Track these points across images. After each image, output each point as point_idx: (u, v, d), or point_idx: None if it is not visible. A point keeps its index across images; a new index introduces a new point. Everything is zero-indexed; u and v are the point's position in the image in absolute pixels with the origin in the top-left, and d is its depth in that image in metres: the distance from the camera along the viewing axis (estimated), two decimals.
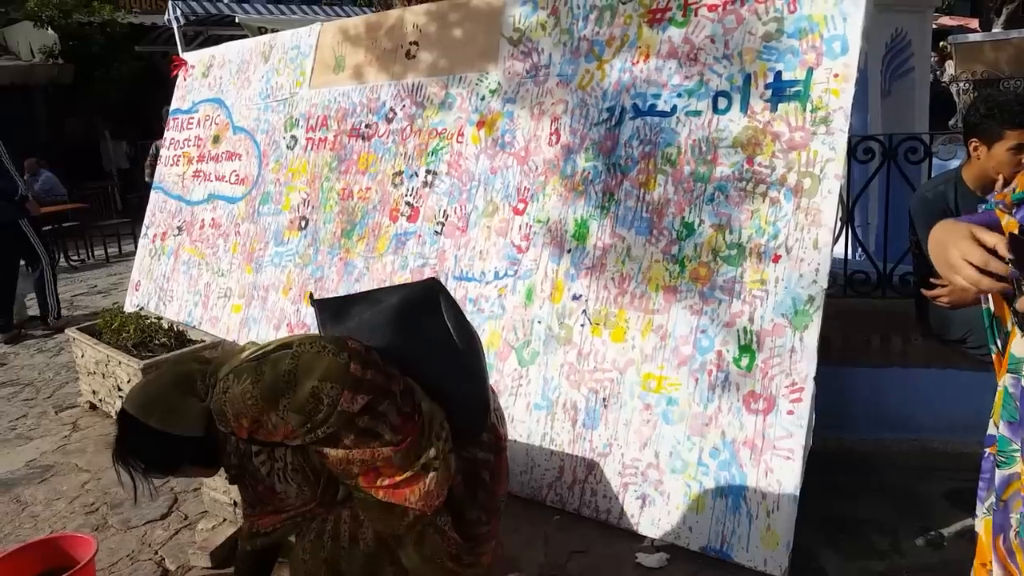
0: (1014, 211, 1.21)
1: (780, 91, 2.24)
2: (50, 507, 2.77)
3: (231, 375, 1.30)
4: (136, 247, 5.10)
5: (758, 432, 2.12)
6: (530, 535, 2.31)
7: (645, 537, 2.26)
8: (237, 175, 4.17)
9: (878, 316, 2.78)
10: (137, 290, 4.69)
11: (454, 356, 1.42)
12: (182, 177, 4.62)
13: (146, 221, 4.83)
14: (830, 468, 2.41)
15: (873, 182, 2.86)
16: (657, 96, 2.50)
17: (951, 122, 6.29)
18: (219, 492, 2.37)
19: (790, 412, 2.08)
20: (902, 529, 2.25)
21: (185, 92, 4.78)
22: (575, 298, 2.55)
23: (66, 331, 3.84)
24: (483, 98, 3.01)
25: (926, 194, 2.37)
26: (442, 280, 2.86)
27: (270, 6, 8.90)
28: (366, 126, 3.46)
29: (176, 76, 4.87)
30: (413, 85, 3.30)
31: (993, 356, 1.38)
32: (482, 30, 3.07)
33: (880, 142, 2.72)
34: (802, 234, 2.14)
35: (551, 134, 2.76)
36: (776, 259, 2.17)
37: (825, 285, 2.09)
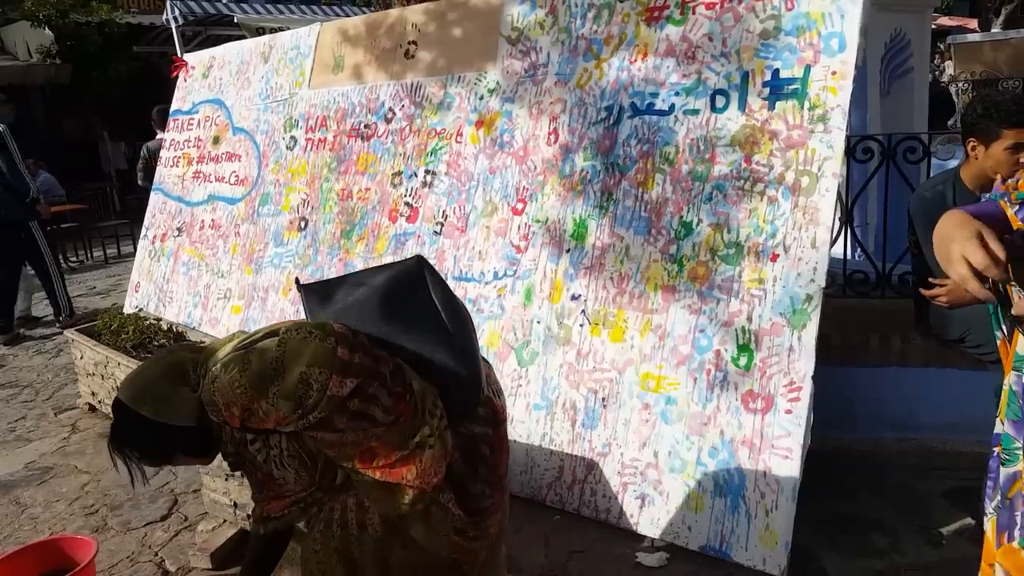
0: (1017, 209, 1.22)
1: (778, 89, 2.24)
2: (50, 509, 2.77)
3: (220, 365, 1.30)
4: (135, 248, 5.10)
5: (756, 431, 2.12)
6: (530, 535, 2.31)
7: (645, 536, 2.26)
8: (237, 176, 4.17)
9: (877, 316, 2.79)
10: (136, 291, 4.69)
11: (442, 334, 1.41)
12: (182, 178, 4.62)
13: (146, 222, 4.83)
14: (829, 467, 2.42)
15: (872, 182, 2.86)
16: (655, 95, 2.50)
17: (950, 122, 6.30)
18: (219, 493, 2.37)
19: (788, 411, 2.08)
20: (901, 528, 2.25)
21: (185, 93, 4.78)
22: (574, 298, 2.55)
23: (65, 332, 3.84)
24: (482, 98, 3.01)
25: (925, 194, 2.37)
26: None
27: (269, 6, 8.89)
28: (365, 126, 3.46)
29: (176, 77, 4.87)
30: (412, 85, 3.30)
31: (998, 342, 1.38)
32: (481, 29, 3.07)
33: (879, 142, 2.72)
34: (800, 233, 2.14)
35: (549, 133, 2.76)
36: (774, 258, 2.17)
37: (823, 284, 2.09)
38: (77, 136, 10.86)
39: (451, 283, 2.89)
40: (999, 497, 1.29)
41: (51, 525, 2.65)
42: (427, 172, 3.14)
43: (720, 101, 2.36)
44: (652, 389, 2.32)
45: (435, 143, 3.14)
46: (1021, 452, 1.24)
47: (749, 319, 2.18)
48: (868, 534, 2.24)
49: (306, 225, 3.62)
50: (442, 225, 3.03)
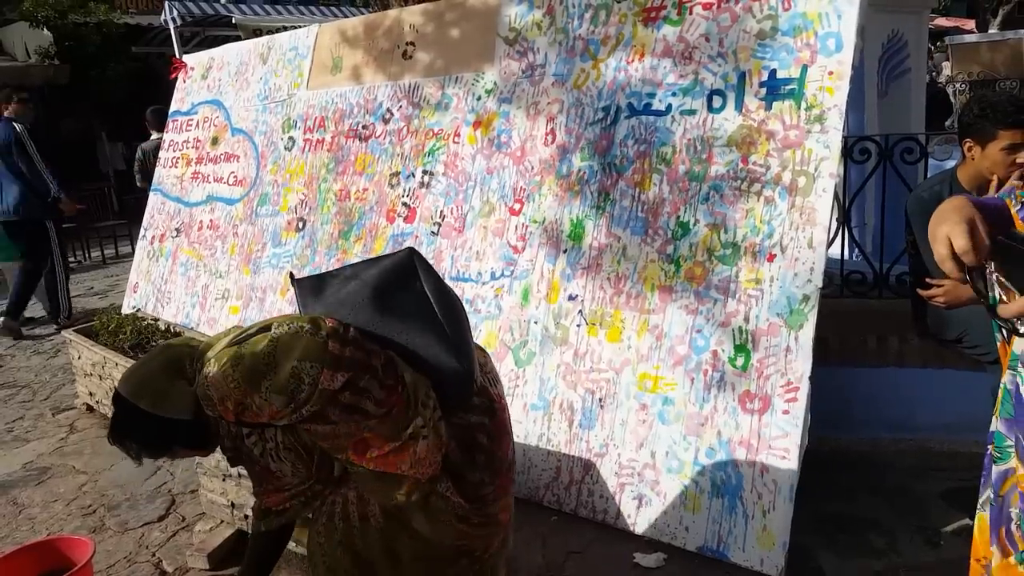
0: (1019, 208, 1.22)
1: (775, 89, 2.24)
2: (47, 509, 2.77)
3: (213, 359, 1.31)
4: (133, 248, 5.11)
5: (754, 432, 2.12)
6: (528, 536, 2.31)
7: (642, 537, 2.26)
8: (235, 176, 4.17)
9: (874, 316, 2.79)
10: (135, 292, 4.69)
11: (433, 326, 1.41)
12: (180, 179, 4.62)
13: (144, 223, 4.83)
14: (827, 468, 2.42)
15: (869, 182, 2.86)
16: (652, 95, 2.50)
17: (947, 123, 6.30)
18: (216, 494, 2.37)
19: (785, 411, 2.08)
20: (899, 528, 2.25)
21: (184, 94, 4.78)
22: (571, 298, 2.56)
23: (63, 333, 3.84)
24: (479, 98, 3.01)
25: (922, 194, 2.37)
26: None
27: (267, 7, 8.89)
28: (363, 127, 3.46)
29: (175, 78, 4.87)
30: (410, 86, 3.30)
31: (998, 344, 1.38)
32: (478, 30, 3.07)
33: (876, 142, 2.72)
34: (797, 233, 2.14)
35: (547, 134, 2.76)
36: (771, 258, 2.18)
37: (820, 284, 2.09)
38: (75, 136, 10.85)
39: (448, 283, 2.89)
40: (991, 493, 1.30)
41: (48, 525, 2.64)
42: (425, 173, 3.14)
43: (717, 101, 2.36)
44: (649, 389, 2.32)
45: (433, 144, 3.14)
46: (1013, 450, 1.25)
47: (746, 319, 2.19)
48: (866, 534, 2.24)
49: (304, 225, 3.62)
50: (439, 225, 3.03)
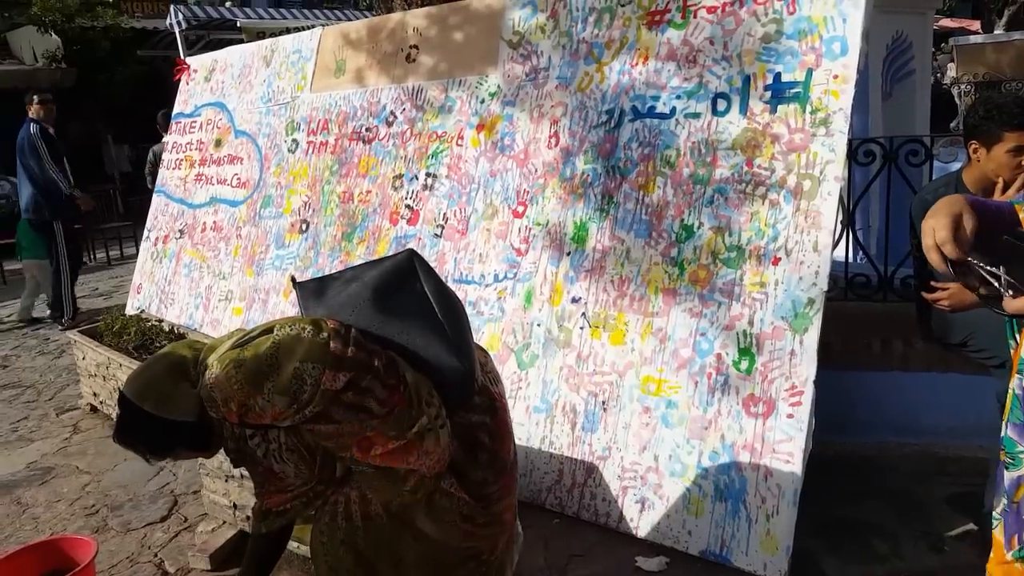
0: None
1: (779, 93, 2.24)
2: (51, 509, 2.77)
3: (216, 361, 1.33)
4: (137, 250, 5.13)
5: (758, 435, 2.11)
6: (530, 539, 2.30)
7: (644, 541, 2.25)
8: (239, 178, 4.18)
9: (879, 319, 2.78)
10: (138, 293, 4.70)
11: (434, 326, 1.43)
12: (184, 180, 4.63)
13: (148, 224, 4.85)
14: (831, 472, 2.41)
15: (874, 185, 2.85)
16: (656, 98, 2.50)
17: (952, 124, 6.28)
18: (218, 495, 2.37)
19: (790, 415, 2.07)
20: (903, 533, 2.24)
21: (187, 96, 4.79)
22: (574, 301, 2.55)
23: (67, 333, 3.85)
24: (483, 101, 3.02)
25: (927, 197, 2.36)
26: None
27: (271, 10, 8.93)
28: (367, 129, 3.47)
29: (179, 80, 4.89)
30: (413, 88, 3.31)
31: (1012, 352, 1.38)
32: (482, 33, 3.07)
33: (881, 145, 2.71)
34: (802, 236, 2.14)
35: (550, 137, 2.76)
36: (776, 261, 2.17)
37: (825, 287, 2.08)
38: (81, 139, 10.92)
39: (451, 285, 2.89)
40: (1005, 501, 1.29)
41: (52, 525, 2.65)
42: (428, 175, 3.15)
43: (721, 104, 2.35)
44: (653, 392, 2.31)
45: (436, 146, 3.15)
46: None
47: (750, 323, 2.18)
48: (870, 539, 2.23)
49: (307, 227, 3.62)
50: (443, 228, 3.03)
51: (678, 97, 2.45)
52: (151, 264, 4.69)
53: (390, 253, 3.16)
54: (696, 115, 2.40)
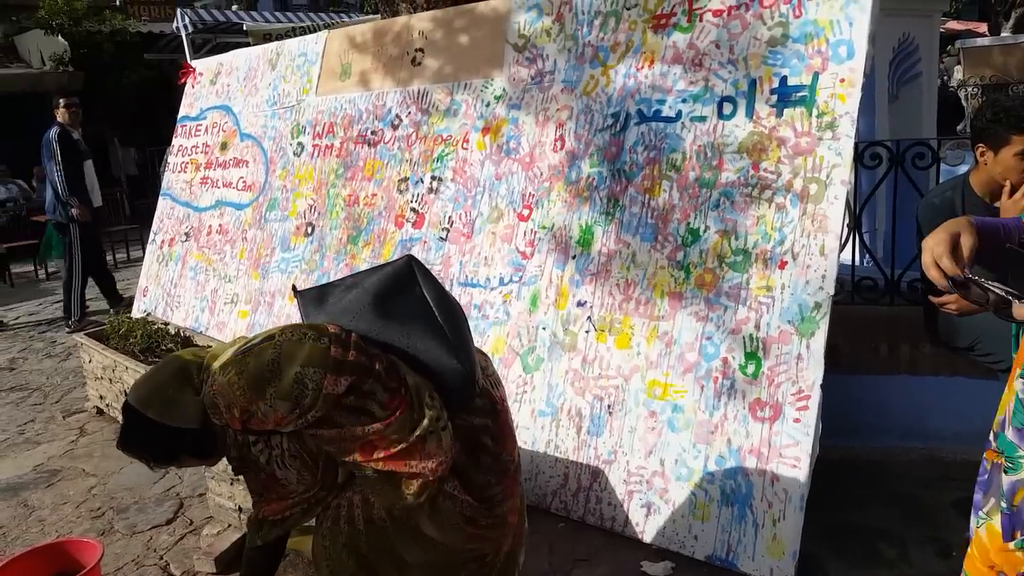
0: None
1: (786, 96, 2.23)
2: (57, 511, 2.78)
3: (219, 369, 1.34)
4: (144, 253, 5.15)
5: (764, 440, 2.10)
6: (535, 542, 2.30)
7: (650, 545, 2.25)
8: (244, 181, 4.19)
9: (886, 323, 2.77)
10: (144, 296, 4.72)
11: (434, 330, 1.43)
12: (190, 183, 4.65)
13: (154, 227, 4.87)
14: (837, 476, 2.39)
15: (881, 188, 2.84)
16: (662, 102, 2.50)
17: (959, 127, 6.26)
18: (224, 498, 2.38)
19: (796, 420, 2.06)
20: (909, 538, 2.22)
21: (193, 99, 4.81)
22: (580, 304, 2.55)
23: (74, 336, 3.87)
24: (488, 104, 3.02)
25: (933, 200, 2.35)
26: (447, 286, 2.86)
27: (277, 14, 8.97)
28: (372, 133, 3.47)
29: (184, 83, 4.91)
30: (419, 92, 3.31)
31: (1014, 356, 1.39)
32: (487, 36, 3.08)
33: (887, 148, 2.70)
34: (808, 240, 2.13)
35: (556, 140, 2.76)
36: (782, 265, 2.16)
37: (832, 292, 2.07)
38: (88, 142, 10.96)
39: (456, 289, 2.90)
40: (1002, 502, 1.29)
41: (58, 527, 2.66)
42: (433, 178, 3.15)
43: (727, 108, 2.35)
44: (658, 396, 2.31)
45: (441, 149, 3.15)
46: None
47: (757, 327, 2.17)
48: (876, 544, 2.22)
49: (313, 231, 3.63)
50: (448, 231, 3.03)
51: (684, 100, 2.45)
52: (157, 267, 4.71)
53: (395, 256, 3.17)
54: (702, 118, 2.40)
